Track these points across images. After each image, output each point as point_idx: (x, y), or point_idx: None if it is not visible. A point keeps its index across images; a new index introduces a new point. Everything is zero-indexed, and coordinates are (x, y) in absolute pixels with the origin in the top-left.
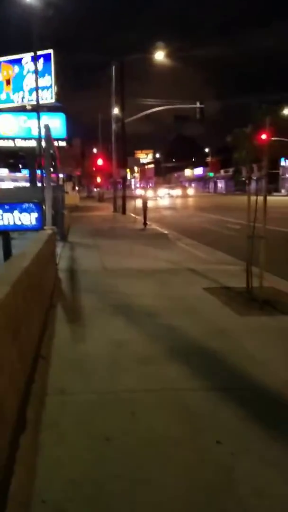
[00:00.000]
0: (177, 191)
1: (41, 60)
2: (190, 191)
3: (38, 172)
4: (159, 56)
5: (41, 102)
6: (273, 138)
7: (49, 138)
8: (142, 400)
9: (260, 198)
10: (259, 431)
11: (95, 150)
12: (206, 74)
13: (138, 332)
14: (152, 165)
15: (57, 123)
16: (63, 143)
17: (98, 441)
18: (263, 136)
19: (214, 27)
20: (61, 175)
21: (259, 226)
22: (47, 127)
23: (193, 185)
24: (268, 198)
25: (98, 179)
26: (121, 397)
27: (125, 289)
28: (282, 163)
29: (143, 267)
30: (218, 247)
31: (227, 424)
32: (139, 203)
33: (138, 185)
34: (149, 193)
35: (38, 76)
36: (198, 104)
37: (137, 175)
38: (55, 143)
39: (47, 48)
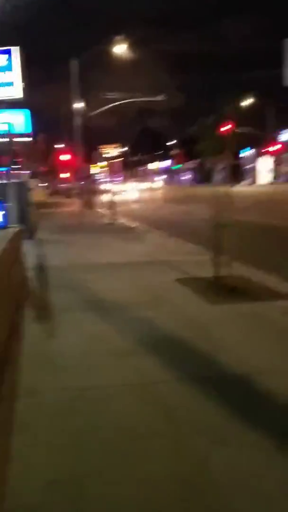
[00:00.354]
0: (145, 184)
1: (5, 56)
2: (159, 183)
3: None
4: (121, 48)
5: (6, 97)
6: (236, 130)
7: (9, 135)
8: (117, 394)
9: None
10: (234, 420)
11: (61, 146)
12: (171, 65)
13: (110, 326)
14: (119, 159)
15: (20, 119)
16: (28, 139)
17: (73, 438)
18: (226, 128)
19: (177, 17)
20: (27, 171)
21: (226, 216)
22: (8, 124)
23: (161, 177)
24: (235, 189)
25: (65, 175)
26: (94, 393)
27: (96, 283)
28: (241, 154)
29: (114, 260)
30: (187, 238)
31: (203, 416)
32: (107, 197)
33: (106, 179)
34: (117, 187)
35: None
36: (161, 97)
37: (105, 169)
38: (20, 139)
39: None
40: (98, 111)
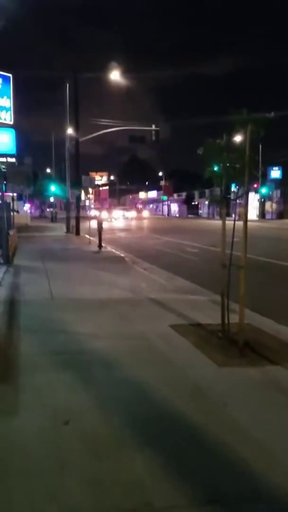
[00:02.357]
0: (132, 213)
1: (0, 81)
2: (145, 213)
3: None
4: (114, 76)
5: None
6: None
7: None
8: None
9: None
10: None
11: (48, 170)
12: (160, 97)
13: (90, 396)
14: (106, 187)
15: (5, 138)
16: (12, 159)
17: None
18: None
19: (167, 50)
20: (12, 194)
21: (227, 253)
22: None
23: (147, 207)
24: (227, 222)
25: (51, 199)
26: None
27: (76, 326)
28: (233, 188)
29: (98, 296)
30: (177, 272)
31: None
32: (93, 224)
33: (92, 206)
34: (104, 214)
35: None
36: (153, 127)
37: (91, 196)
38: (3, 159)
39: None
40: (89, 136)
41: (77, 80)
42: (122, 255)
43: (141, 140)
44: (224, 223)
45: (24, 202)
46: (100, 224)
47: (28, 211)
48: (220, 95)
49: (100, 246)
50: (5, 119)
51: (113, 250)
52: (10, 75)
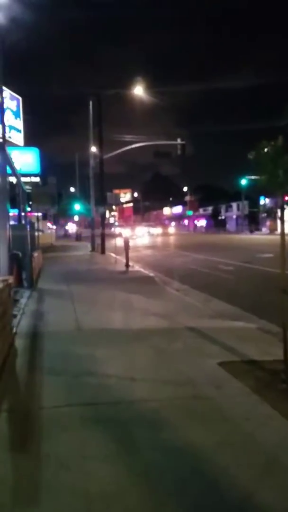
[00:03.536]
0: (158, 230)
1: (14, 103)
2: (171, 229)
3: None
4: (137, 91)
5: (14, 141)
6: None
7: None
8: None
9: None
10: None
11: (72, 189)
12: (181, 113)
13: (130, 469)
14: (130, 204)
15: (29, 158)
16: (36, 179)
17: None
18: None
19: (186, 67)
20: (38, 214)
21: (255, 268)
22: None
23: (173, 223)
24: (254, 236)
25: (76, 218)
26: None
27: (107, 366)
28: (262, 201)
29: (129, 325)
30: (213, 293)
31: None
32: (118, 242)
33: (116, 223)
34: (127, 231)
35: (13, 115)
36: (179, 141)
37: (115, 213)
38: (28, 179)
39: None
40: (113, 153)
41: (100, 99)
42: (151, 274)
43: (167, 155)
44: (283, 238)
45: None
46: (127, 242)
47: (53, 230)
48: (239, 109)
49: (127, 265)
50: (18, 141)
51: (141, 269)
52: (20, 97)
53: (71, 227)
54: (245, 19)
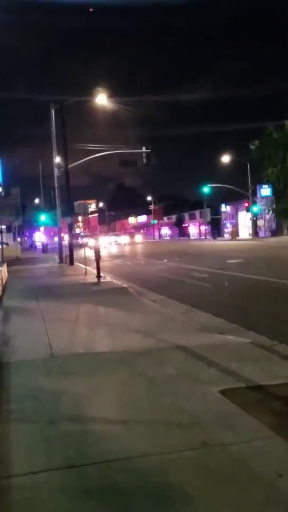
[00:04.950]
0: (124, 239)
1: None
2: (138, 238)
3: None
4: (100, 100)
5: None
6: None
7: None
8: None
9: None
10: None
11: (37, 201)
12: (146, 126)
13: None
14: (95, 214)
15: None
16: None
17: None
18: None
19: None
20: (2, 226)
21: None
22: None
23: (139, 232)
24: (218, 242)
25: (41, 229)
26: None
27: (90, 406)
28: (223, 208)
29: (110, 346)
30: (193, 303)
31: None
32: (87, 252)
33: (82, 234)
34: (92, 241)
35: None
36: (144, 149)
37: (80, 224)
38: None
39: None
40: (79, 162)
41: (62, 106)
42: (124, 285)
43: (133, 163)
44: None
45: (14, 234)
46: (97, 252)
47: (18, 243)
48: (200, 122)
49: (98, 276)
50: None
51: (113, 280)
52: None
53: (39, 238)
54: (210, 30)
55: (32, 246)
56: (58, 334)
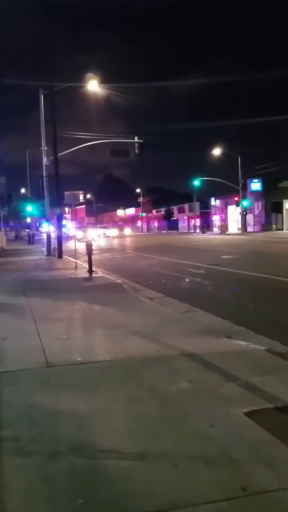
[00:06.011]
0: (113, 231)
1: None
2: (127, 230)
3: None
4: (92, 86)
5: None
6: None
7: None
8: None
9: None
10: None
11: (23, 190)
12: (136, 117)
13: None
14: (83, 206)
15: None
16: None
17: None
18: None
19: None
20: None
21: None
22: None
23: (128, 224)
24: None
25: (28, 219)
26: None
27: (97, 432)
28: (212, 202)
29: (111, 353)
30: (193, 301)
31: None
32: (76, 245)
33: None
34: (80, 233)
35: None
36: (136, 139)
37: (67, 215)
38: None
39: None
40: (69, 150)
41: (53, 92)
42: (118, 281)
43: (124, 153)
44: None
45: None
46: (89, 246)
47: (3, 233)
48: (189, 115)
49: (90, 271)
50: None
51: (106, 275)
52: None
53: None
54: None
55: (18, 237)
56: (52, 337)
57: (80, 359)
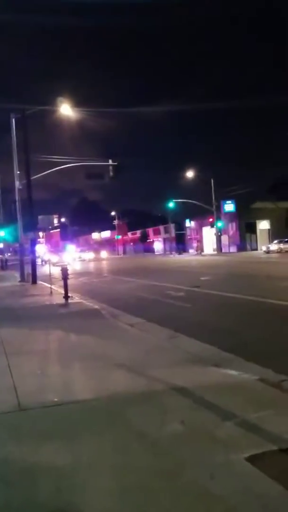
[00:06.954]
0: (89, 254)
1: None
2: (104, 253)
3: None
4: (64, 110)
5: None
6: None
7: None
8: None
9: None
10: None
11: None
12: (109, 141)
13: None
14: (58, 230)
15: None
16: None
17: None
18: None
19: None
20: None
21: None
22: None
23: (103, 247)
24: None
25: (1, 245)
26: None
27: (80, 494)
28: (187, 223)
29: (93, 391)
30: (175, 326)
31: None
32: (51, 269)
33: (44, 249)
34: (54, 258)
35: None
36: (110, 162)
37: (41, 240)
38: None
39: None
40: (43, 173)
41: (25, 115)
42: (96, 306)
43: (99, 176)
44: None
45: None
46: (65, 271)
47: None
48: (165, 137)
49: (66, 297)
50: None
51: (83, 301)
52: None
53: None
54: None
55: None
56: (26, 373)
57: (57, 400)
